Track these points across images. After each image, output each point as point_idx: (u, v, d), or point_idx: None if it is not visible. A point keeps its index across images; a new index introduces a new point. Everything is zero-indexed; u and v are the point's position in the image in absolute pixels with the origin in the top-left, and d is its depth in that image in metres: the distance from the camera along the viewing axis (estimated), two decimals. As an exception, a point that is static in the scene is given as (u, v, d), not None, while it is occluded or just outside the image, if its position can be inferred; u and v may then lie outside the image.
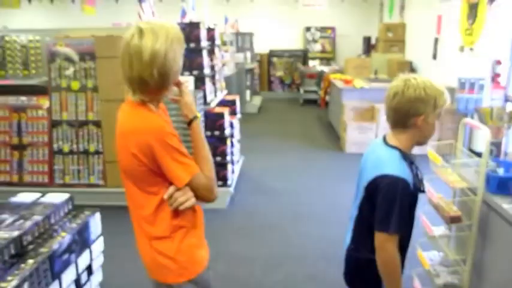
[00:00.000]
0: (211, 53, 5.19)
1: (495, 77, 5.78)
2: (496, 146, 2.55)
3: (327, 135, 8.01)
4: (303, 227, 4.32)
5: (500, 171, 2.32)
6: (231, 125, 5.10)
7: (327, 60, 12.55)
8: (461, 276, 2.54)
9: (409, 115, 1.74)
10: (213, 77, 5.19)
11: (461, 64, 6.54)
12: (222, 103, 5.43)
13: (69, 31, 5.17)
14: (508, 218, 2.13)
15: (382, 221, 1.73)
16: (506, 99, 5.73)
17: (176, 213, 1.64)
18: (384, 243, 1.74)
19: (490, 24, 5.86)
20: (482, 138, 2.47)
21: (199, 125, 1.74)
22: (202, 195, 1.65)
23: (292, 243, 3.99)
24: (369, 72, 8.95)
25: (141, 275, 1.97)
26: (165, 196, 1.60)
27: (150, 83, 1.54)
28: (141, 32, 1.51)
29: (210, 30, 5.20)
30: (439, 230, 2.67)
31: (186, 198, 1.61)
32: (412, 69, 8.55)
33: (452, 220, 2.40)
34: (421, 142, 1.85)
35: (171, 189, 1.60)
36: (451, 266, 2.64)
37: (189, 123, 1.71)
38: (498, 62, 5.72)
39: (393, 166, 1.74)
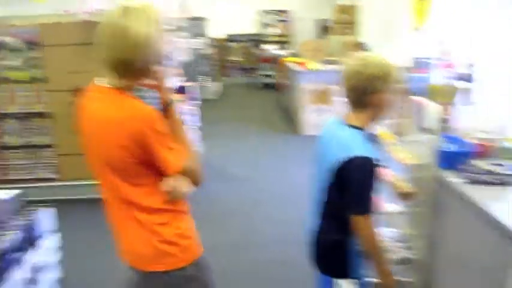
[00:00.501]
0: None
1: (444, 56, 5.95)
2: (445, 123, 2.63)
3: (285, 119, 8.05)
4: (265, 211, 4.35)
5: (450, 147, 2.40)
6: (188, 112, 5.04)
7: (283, 43, 12.56)
8: (417, 251, 2.62)
9: (367, 93, 1.76)
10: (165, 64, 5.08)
11: (414, 44, 6.68)
12: (179, 90, 5.33)
13: (15, 19, 4.93)
14: (457, 192, 2.20)
15: (357, 204, 1.78)
16: (458, 78, 5.93)
17: (171, 200, 1.62)
18: (363, 224, 1.78)
19: (439, 4, 6.00)
20: (432, 116, 2.54)
21: (177, 109, 1.70)
22: (192, 180, 1.64)
23: (255, 229, 4.01)
24: (325, 55, 9.03)
25: (103, 270, 1.92)
26: (166, 188, 1.58)
27: (135, 65, 1.49)
28: (125, 12, 1.46)
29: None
30: (394, 207, 2.74)
31: (184, 186, 1.60)
32: (367, 51, 8.67)
33: (405, 196, 2.47)
34: (379, 119, 1.88)
35: (170, 180, 1.58)
36: (406, 241, 2.72)
37: (166, 108, 1.67)
38: (445, 41, 5.89)
39: (359, 147, 1.76)
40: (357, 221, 1.78)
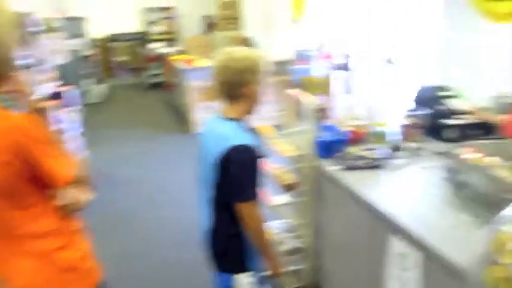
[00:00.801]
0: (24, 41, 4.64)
1: (322, 47, 6.22)
2: (321, 113, 2.70)
3: (176, 119, 7.88)
4: (159, 213, 4.23)
5: (326, 136, 2.46)
6: (66, 119, 4.66)
7: (170, 41, 12.28)
8: (305, 239, 2.67)
9: (238, 86, 1.79)
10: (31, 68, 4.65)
11: (294, 36, 6.89)
12: (54, 96, 4.92)
13: None
14: (334, 179, 2.27)
15: (241, 191, 1.78)
16: (334, 67, 6.23)
17: (66, 217, 1.47)
18: (249, 211, 1.79)
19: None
20: (309, 107, 2.58)
21: (46, 114, 1.56)
22: (84, 190, 1.49)
23: (150, 232, 3.90)
24: (212, 51, 8.98)
25: None
26: (61, 202, 1.41)
27: None
28: None
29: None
30: (280, 198, 2.77)
31: (81, 196, 1.45)
32: (251, 45, 8.79)
33: (289, 187, 2.49)
34: (254, 110, 1.91)
35: (64, 193, 1.41)
36: (294, 231, 2.76)
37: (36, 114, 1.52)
38: (322, 33, 6.16)
39: (238, 136, 1.78)
40: (242, 208, 1.79)
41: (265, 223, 1.86)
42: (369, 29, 5.65)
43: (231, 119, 1.85)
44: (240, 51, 1.81)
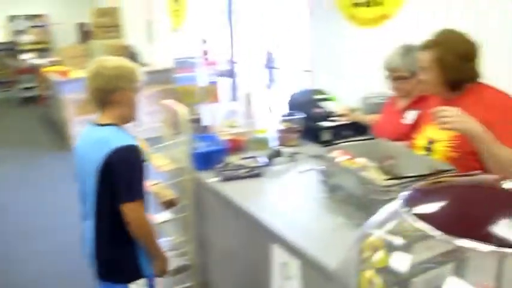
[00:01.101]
0: None
1: (205, 54, 6.16)
2: (197, 123, 2.60)
3: (52, 135, 7.28)
4: (35, 245, 3.78)
5: (203, 147, 2.37)
6: None
7: (42, 51, 11.37)
8: (191, 256, 2.55)
9: (109, 92, 1.80)
10: None
11: (175, 45, 6.74)
12: None
13: None
14: (214, 191, 2.18)
15: (129, 191, 1.77)
16: (218, 74, 6.20)
17: None
18: (135, 212, 1.77)
19: (193, 4, 6.16)
20: (183, 117, 2.47)
21: None
22: None
23: (25, 261, 3.51)
24: (88, 61, 8.45)
25: None
26: None
27: None
28: None
29: None
30: (162, 216, 2.62)
31: None
32: (132, 54, 8.45)
33: (170, 204, 2.35)
34: (129, 118, 1.92)
35: None
36: (179, 248, 2.62)
37: None
38: (205, 40, 6.11)
39: (119, 138, 1.79)
40: (129, 208, 1.76)
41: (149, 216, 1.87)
42: (248, 35, 5.74)
43: (108, 124, 1.83)
44: (111, 60, 1.85)
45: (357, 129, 2.88)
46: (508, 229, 0.60)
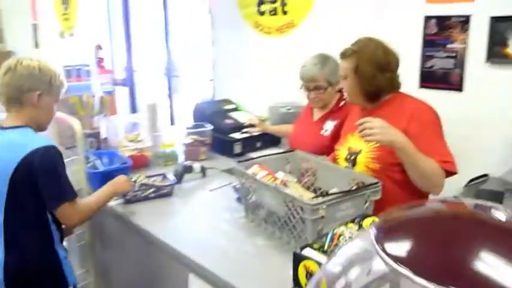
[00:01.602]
0: None
1: (100, 62, 5.73)
2: (95, 137, 2.31)
3: None
4: None
5: (101, 165, 2.09)
6: None
7: None
8: (92, 285, 2.24)
9: (23, 90, 1.64)
10: None
11: (64, 51, 6.19)
12: None
13: None
14: (117, 215, 1.93)
15: (60, 193, 1.61)
16: (115, 83, 5.80)
17: None
18: (73, 211, 1.63)
19: (85, 7, 5.71)
20: (77, 131, 2.16)
21: None
22: None
23: None
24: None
25: None
26: None
27: None
28: None
29: None
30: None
31: None
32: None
33: (67, 232, 2.04)
34: (42, 125, 1.74)
35: None
36: (78, 282, 2.30)
37: None
38: (99, 47, 5.68)
39: (34, 139, 1.61)
40: (66, 210, 1.61)
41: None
42: (147, 41, 5.44)
43: (18, 127, 1.64)
44: (31, 59, 1.69)
45: (268, 140, 2.78)
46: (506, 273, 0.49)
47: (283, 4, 3.35)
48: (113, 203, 1.94)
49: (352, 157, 1.71)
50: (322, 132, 2.17)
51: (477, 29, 2.41)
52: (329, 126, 2.16)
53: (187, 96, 5.37)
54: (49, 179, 1.59)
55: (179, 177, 2.14)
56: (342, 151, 1.79)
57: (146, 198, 1.97)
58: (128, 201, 1.93)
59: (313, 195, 1.60)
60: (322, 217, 1.40)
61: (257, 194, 1.63)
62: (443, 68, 2.58)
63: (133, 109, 5.61)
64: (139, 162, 2.30)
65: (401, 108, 1.64)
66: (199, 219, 1.83)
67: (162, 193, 2.00)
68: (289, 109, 3.13)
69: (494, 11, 2.33)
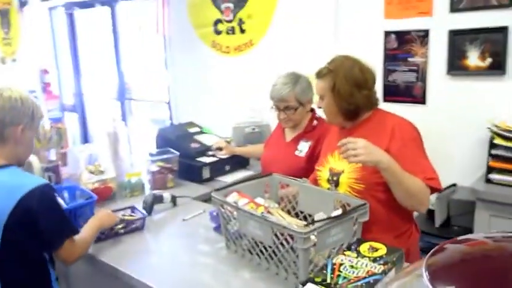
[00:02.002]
0: None
1: (46, 87, 5.46)
2: (53, 171, 2.14)
3: None
4: None
5: (63, 202, 1.93)
6: None
7: None
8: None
9: (5, 124, 1.52)
10: None
11: (7, 77, 5.84)
12: None
13: None
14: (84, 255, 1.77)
15: (63, 230, 1.53)
16: (63, 109, 5.53)
17: None
18: (73, 247, 1.54)
19: (27, 31, 5.42)
20: (34, 164, 1.99)
21: None
22: None
23: None
24: None
25: None
26: None
27: None
28: None
29: None
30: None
31: None
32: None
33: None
34: (22, 161, 1.65)
35: None
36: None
37: None
38: (45, 71, 5.41)
39: (26, 180, 1.50)
40: (71, 244, 1.54)
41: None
42: (99, 64, 5.24)
43: (3, 166, 1.52)
44: (13, 90, 1.56)
45: (236, 162, 2.70)
46: None
47: (241, 23, 3.31)
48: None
49: (335, 178, 1.66)
50: (296, 153, 2.12)
51: (436, 42, 2.48)
52: (303, 147, 2.11)
53: (143, 120, 5.21)
54: (50, 218, 1.50)
55: (149, 209, 2.02)
56: (323, 172, 1.74)
57: (116, 235, 1.82)
58: (97, 240, 1.78)
59: (301, 222, 1.53)
60: (314, 245, 1.34)
61: (240, 223, 1.54)
62: (405, 81, 2.62)
63: (85, 136, 5.36)
64: (104, 195, 2.15)
65: (382, 126, 1.62)
66: (177, 254, 1.70)
67: (132, 228, 1.87)
68: (253, 129, 3.07)
69: (452, 25, 2.40)
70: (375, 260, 1.17)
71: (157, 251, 1.75)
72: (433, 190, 1.53)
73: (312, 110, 2.21)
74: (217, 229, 1.84)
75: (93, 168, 2.26)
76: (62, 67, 5.51)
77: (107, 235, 1.80)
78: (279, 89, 2.11)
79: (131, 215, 1.93)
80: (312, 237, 1.33)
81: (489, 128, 2.20)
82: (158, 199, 2.08)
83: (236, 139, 3.07)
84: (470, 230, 2.21)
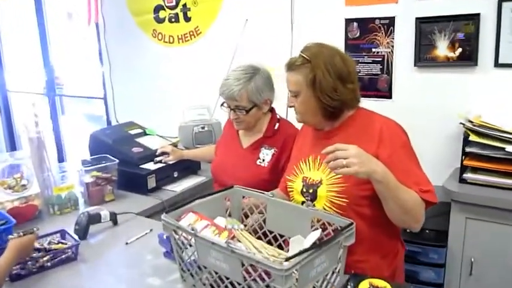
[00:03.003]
0: None
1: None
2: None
3: None
4: None
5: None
6: None
7: None
8: None
9: None
10: None
11: None
12: None
13: None
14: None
15: None
16: None
17: None
18: None
19: None
20: None
21: None
22: None
23: None
24: None
25: None
26: None
27: None
28: None
29: None
30: None
31: None
32: None
33: None
34: None
35: None
36: None
37: None
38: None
39: None
40: None
41: None
42: (23, 55, 4.68)
43: None
44: None
45: (185, 168, 2.38)
46: None
47: (185, 9, 2.97)
48: None
49: (311, 190, 1.40)
50: (258, 162, 1.83)
51: (403, 31, 2.27)
52: (265, 155, 1.82)
53: (77, 118, 4.73)
54: None
55: (83, 233, 1.66)
56: (296, 183, 1.46)
57: (42, 269, 1.46)
58: (15, 278, 1.41)
59: (276, 250, 1.25)
60: (296, 280, 1.07)
61: (199, 253, 1.24)
62: (369, 74, 2.41)
63: (11, 141, 4.78)
64: (26, 216, 1.77)
65: (367, 128, 1.37)
66: (119, 289, 1.38)
67: (63, 258, 1.51)
68: (203, 128, 2.77)
69: (420, 12, 2.20)
70: (381, 305, 0.92)
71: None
72: (428, 204, 1.30)
73: (272, 111, 1.93)
74: (168, 255, 1.53)
75: (12, 182, 1.86)
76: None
77: (29, 270, 1.43)
78: (229, 85, 1.79)
79: (61, 242, 1.57)
80: (295, 273, 1.06)
81: (462, 124, 2.03)
82: (94, 219, 1.73)
83: (183, 140, 2.75)
84: (445, 234, 2.05)
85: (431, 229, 2.15)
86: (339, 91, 1.35)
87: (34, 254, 1.47)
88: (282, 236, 1.41)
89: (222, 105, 1.88)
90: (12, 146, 4.81)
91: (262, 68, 1.85)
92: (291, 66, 1.40)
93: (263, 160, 1.82)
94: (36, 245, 1.51)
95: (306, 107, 1.40)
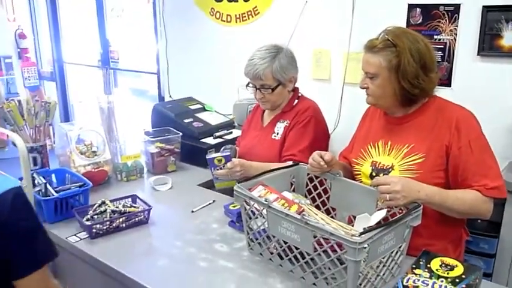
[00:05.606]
0: None
1: (23, 53, 5.04)
2: (39, 152, 1.86)
3: None
4: None
5: (51, 189, 1.66)
6: None
7: None
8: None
9: None
10: None
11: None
12: None
13: None
14: (78, 254, 1.51)
15: (47, 247, 1.07)
16: (40, 77, 5.14)
17: None
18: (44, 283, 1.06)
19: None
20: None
21: None
22: None
23: None
24: None
25: None
26: None
27: None
28: None
29: None
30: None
31: None
32: None
33: None
34: None
35: None
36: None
37: None
38: (22, 36, 4.99)
39: None
40: (43, 274, 1.04)
41: None
42: (79, 29, 4.85)
43: None
44: None
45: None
46: None
47: (245, -12, 3.01)
48: (72, 239, 1.53)
49: (381, 174, 1.43)
50: (273, 136, 1.89)
51: (467, 19, 2.25)
52: (279, 128, 1.88)
53: (124, 91, 4.87)
54: (22, 236, 1.02)
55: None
56: (364, 167, 1.51)
57: (116, 230, 1.57)
58: (95, 236, 1.53)
59: (346, 226, 1.31)
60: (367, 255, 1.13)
61: (270, 224, 1.31)
62: (430, 61, 2.40)
63: (65, 108, 5.01)
64: (97, 180, 1.90)
65: (442, 118, 1.39)
66: (192, 255, 1.46)
67: (136, 221, 1.62)
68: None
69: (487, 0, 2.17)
70: (454, 283, 0.96)
71: (167, 251, 1.50)
72: (495, 199, 1.34)
73: (294, 90, 1.95)
74: (233, 224, 1.62)
75: (84, 148, 1.98)
76: (41, 32, 5.09)
77: (106, 230, 1.55)
78: (254, 64, 1.82)
79: (133, 206, 1.68)
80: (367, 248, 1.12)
81: (523, 117, 2.02)
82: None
83: (238, 117, 2.81)
84: (497, 224, 2.05)
85: (483, 219, 2.15)
86: (421, 78, 1.36)
87: (113, 216, 1.59)
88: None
89: (247, 85, 1.92)
90: (66, 115, 5.03)
91: (285, 47, 1.88)
92: (372, 47, 1.40)
93: (277, 134, 1.88)
94: (112, 207, 1.62)
95: (383, 90, 1.41)
